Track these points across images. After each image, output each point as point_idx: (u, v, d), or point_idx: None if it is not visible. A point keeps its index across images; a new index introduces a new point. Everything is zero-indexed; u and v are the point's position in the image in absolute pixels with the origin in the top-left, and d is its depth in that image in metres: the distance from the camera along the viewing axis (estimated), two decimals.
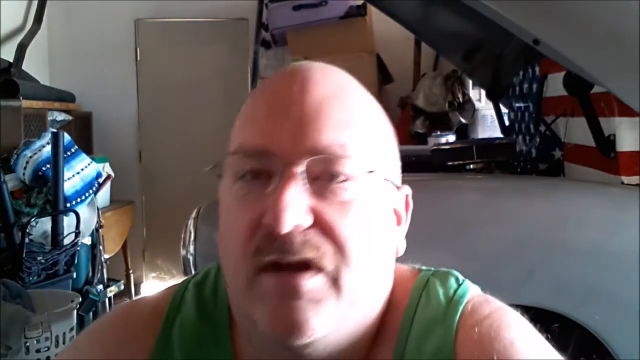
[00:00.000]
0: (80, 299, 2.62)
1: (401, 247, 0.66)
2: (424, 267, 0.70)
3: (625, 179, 1.80)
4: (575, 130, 2.09)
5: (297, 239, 0.54)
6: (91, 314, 3.28)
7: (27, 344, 2.29)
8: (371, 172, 0.58)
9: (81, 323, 3.02)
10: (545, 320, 1.64)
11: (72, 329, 2.47)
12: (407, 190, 0.66)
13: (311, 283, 0.55)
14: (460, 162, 2.61)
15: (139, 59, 5.18)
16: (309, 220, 0.55)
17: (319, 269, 0.55)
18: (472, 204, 1.74)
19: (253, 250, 0.55)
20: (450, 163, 2.61)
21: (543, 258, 1.62)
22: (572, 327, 1.63)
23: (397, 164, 0.66)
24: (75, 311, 2.52)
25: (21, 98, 3.82)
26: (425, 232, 1.69)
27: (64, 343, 2.39)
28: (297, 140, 0.56)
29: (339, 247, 0.56)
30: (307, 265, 0.55)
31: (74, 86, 4.87)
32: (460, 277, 0.67)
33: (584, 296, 1.62)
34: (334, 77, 0.62)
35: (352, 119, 0.59)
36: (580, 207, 1.72)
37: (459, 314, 0.62)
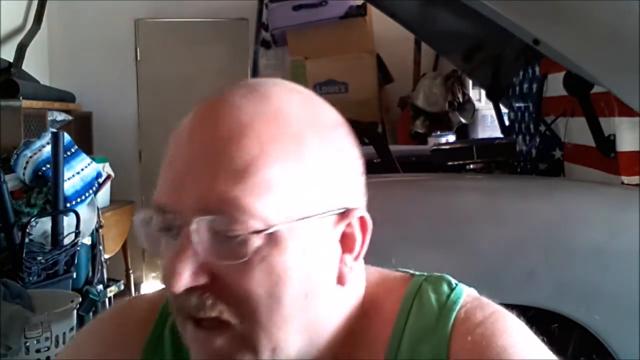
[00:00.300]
0: (80, 299, 2.62)
1: (354, 273, 0.61)
2: (417, 273, 0.68)
3: (625, 179, 1.80)
4: (575, 130, 2.09)
5: (192, 301, 0.54)
6: (91, 314, 3.28)
7: (27, 344, 2.29)
8: (281, 221, 0.53)
9: (81, 323, 3.02)
10: (545, 320, 1.64)
11: (72, 329, 2.46)
12: (360, 212, 0.60)
13: (219, 341, 0.55)
14: (460, 162, 2.61)
15: (139, 59, 5.18)
16: (200, 281, 0.54)
17: (229, 325, 0.55)
18: (472, 204, 1.74)
19: (174, 302, 0.57)
20: (450, 163, 2.62)
21: (543, 258, 1.62)
22: (572, 327, 1.63)
23: (345, 188, 0.59)
24: (75, 311, 2.52)
25: (21, 98, 3.82)
26: (425, 232, 1.70)
27: (64, 343, 2.39)
28: (185, 195, 0.53)
29: (239, 306, 0.54)
30: (219, 321, 0.55)
31: (74, 86, 4.87)
32: (454, 282, 0.66)
33: (584, 296, 1.62)
34: (237, 114, 0.55)
35: (251, 164, 0.53)
36: (580, 207, 1.72)
37: (451, 322, 0.61)
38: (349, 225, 0.59)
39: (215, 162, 0.53)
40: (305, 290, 0.56)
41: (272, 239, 0.53)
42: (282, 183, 0.54)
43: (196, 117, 0.57)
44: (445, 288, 0.64)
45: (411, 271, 0.69)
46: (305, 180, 0.55)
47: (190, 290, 0.54)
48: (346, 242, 0.59)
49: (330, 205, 0.57)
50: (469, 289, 0.66)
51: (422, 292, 0.64)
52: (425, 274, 0.68)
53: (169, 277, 0.53)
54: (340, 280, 0.59)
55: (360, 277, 0.65)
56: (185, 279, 0.53)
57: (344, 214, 0.58)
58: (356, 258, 0.60)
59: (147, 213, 0.56)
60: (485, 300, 0.64)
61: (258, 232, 0.53)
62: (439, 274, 0.67)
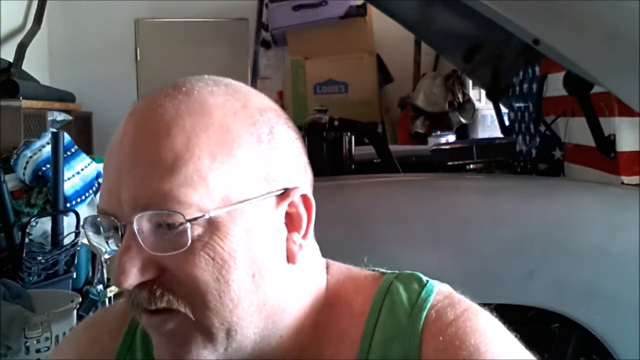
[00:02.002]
0: (80, 299, 2.62)
1: (305, 249, 0.62)
2: (388, 271, 0.68)
3: (625, 179, 1.80)
4: (575, 130, 2.09)
5: (143, 294, 0.56)
6: (91, 314, 3.28)
7: (27, 344, 2.29)
8: (218, 206, 0.55)
9: None
10: (545, 320, 1.64)
11: (72, 329, 2.46)
12: (302, 190, 0.61)
13: (171, 325, 0.57)
14: (460, 162, 2.61)
15: (138, 58, 5.19)
16: (149, 275, 0.56)
17: (179, 312, 0.57)
18: (472, 204, 1.74)
19: (128, 297, 0.59)
20: (450, 163, 2.61)
21: (543, 258, 1.62)
22: (572, 327, 1.63)
23: (282, 169, 0.60)
24: (75, 311, 2.52)
25: (21, 98, 3.83)
26: (425, 232, 1.70)
27: None
28: (121, 197, 0.55)
29: (189, 294, 0.56)
30: (169, 309, 0.57)
31: (74, 86, 4.87)
32: (424, 279, 0.66)
33: (584, 296, 1.62)
34: (162, 111, 0.57)
35: (180, 157, 0.55)
36: (580, 207, 1.72)
37: (422, 322, 0.61)
38: (291, 204, 0.60)
39: (146, 160, 0.55)
40: (252, 270, 0.57)
41: (212, 225, 0.55)
42: (213, 171, 0.55)
43: (124, 122, 0.59)
44: (416, 286, 0.65)
45: (382, 270, 0.69)
46: (237, 166, 0.57)
47: (140, 286, 0.56)
48: (291, 221, 0.61)
49: (268, 187, 0.59)
50: (442, 285, 0.66)
51: (392, 291, 0.65)
52: (397, 272, 0.68)
53: (117, 276, 0.55)
54: (290, 258, 0.60)
55: (316, 263, 0.67)
56: (133, 275, 0.55)
57: (284, 195, 0.60)
58: (304, 236, 0.62)
59: (93, 218, 0.59)
60: (457, 297, 0.64)
61: (195, 219, 0.54)
62: (410, 272, 0.67)
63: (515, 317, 1.60)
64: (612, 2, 1.70)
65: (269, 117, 0.61)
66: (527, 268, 1.61)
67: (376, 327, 0.63)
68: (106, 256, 0.59)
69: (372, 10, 4.63)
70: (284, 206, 0.60)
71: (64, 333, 2.40)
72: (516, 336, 0.62)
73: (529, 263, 1.61)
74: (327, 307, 0.65)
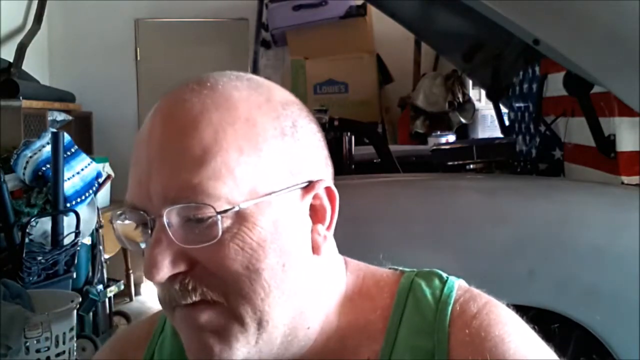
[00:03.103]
0: (80, 299, 2.62)
1: (329, 241, 0.64)
2: (406, 269, 0.70)
3: (625, 179, 1.80)
4: (575, 130, 2.09)
5: (175, 287, 0.57)
6: (91, 314, 3.29)
7: (27, 344, 2.29)
8: (246, 198, 0.56)
9: (81, 323, 3.03)
10: (545, 320, 1.64)
11: (72, 329, 2.47)
12: (326, 182, 0.62)
13: (206, 315, 0.58)
14: (460, 162, 2.61)
15: (139, 58, 5.19)
16: (180, 268, 0.57)
17: (214, 302, 0.57)
18: (472, 204, 1.74)
19: (161, 292, 0.60)
20: (450, 163, 2.61)
21: (543, 258, 1.62)
22: (572, 327, 1.63)
23: (306, 161, 0.61)
24: (75, 311, 2.52)
25: (21, 98, 3.83)
26: (425, 232, 1.70)
27: (64, 343, 2.39)
28: (151, 191, 0.56)
29: (221, 285, 0.57)
30: (203, 301, 0.58)
31: (74, 86, 4.87)
32: (444, 275, 0.68)
33: (584, 296, 1.62)
34: (189, 106, 0.58)
35: (208, 151, 0.56)
36: (580, 207, 1.72)
37: (448, 317, 0.63)
38: (316, 197, 0.62)
39: (174, 154, 0.56)
40: (282, 260, 0.58)
41: (240, 217, 0.56)
42: (240, 164, 0.56)
43: (151, 117, 0.60)
44: (437, 282, 0.67)
45: (400, 267, 0.71)
46: (263, 159, 0.58)
47: (172, 279, 0.57)
48: (316, 213, 0.62)
49: (293, 180, 0.60)
50: (459, 281, 0.68)
51: (415, 287, 0.67)
52: (415, 270, 0.70)
53: (149, 269, 0.56)
54: (315, 249, 0.62)
55: (337, 258, 0.68)
56: (164, 268, 0.56)
57: (309, 187, 0.61)
58: (329, 227, 0.63)
59: (122, 210, 0.60)
60: (476, 291, 0.67)
61: (224, 212, 0.55)
62: (428, 269, 0.69)
63: None
64: (612, 2, 1.70)
65: (292, 111, 0.62)
66: (527, 268, 1.61)
67: (401, 322, 0.64)
68: (132, 248, 0.61)
69: (372, 10, 4.62)
70: (309, 198, 0.61)
71: (64, 333, 2.40)
72: (534, 328, 0.64)
73: (529, 263, 1.61)
74: (347, 302, 0.67)
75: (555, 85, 2.21)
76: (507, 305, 0.66)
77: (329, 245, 0.64)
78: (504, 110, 3.09)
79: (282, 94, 0.63)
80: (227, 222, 0.56)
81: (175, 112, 0.58)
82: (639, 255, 1.55)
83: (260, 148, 0.58)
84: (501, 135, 3.13)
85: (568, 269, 1.62)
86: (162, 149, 0.57)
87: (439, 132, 4.35)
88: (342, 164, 2.32)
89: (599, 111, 1.85)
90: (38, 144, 3.26)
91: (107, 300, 3.56)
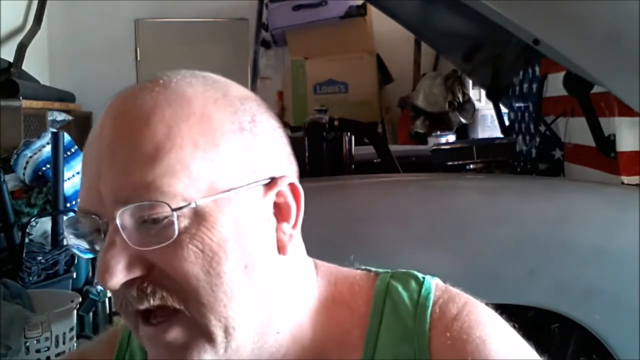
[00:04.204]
0: (80, 299, 2.61)
1: (295, 240, 0.61)
2: (379, 270, 0.68)
3: (625, 179, 1.80)
4: (575, 130, 2.09)
5: (132, 293, 0.54)
6: (91, 314, 3.28)
7: (27, 344, 2.29)
8: (203, 195, 0.54)
9: (81, 323, 3.02)
10: (545, 320, 1.64)
11: (72, 329, 2.46)
12: (290, 179, 0.59)
13: (172, 334, 0.55)
14: (460, 162, 2.61)
15: (139, 58, 5.19)
16: (136, 272, 0.54)
17: (175, 313, 0.55)
18: (472, 204, 1.74)
19: (117, 299, 0.56)
20: (450, 163, 2.61)
21: (543, 258, 1.62)
22: (572, 327, 1.63)
23: (267, 157, 0.59)
24: (75, 311, 2.51)
25: (21, 98, 3.82)
26: (425, 232, 1.70)
27: (64, 343, 2.39)
28: (102, 192, 0.54)
29: (180, 289, 0.54)
30: (167, 313, 0.55)
31: (74, 86, 4.87)
32: (420, 276, 0.66)
33: (584, 296, 1.62)
34: (140, 103, 0.55)
35: (161, 147, 0.53)
36: (580, 207, 1.72)
37: (428, 321, 0.62)
38: (279, 194, 0.59)
39: (125, 153, 0.53)
40: (244, 261, 0.56)
41: (199, 216, 0.53)
42: (196, 161, 0.54)
43: (102, 116, 0.57)
44: (414, 284, 0.65)
45: (373, 269, 0.69)
46: (220, 154, 0.55)
47: (128, 285, 0.54)
48: (280, 211, 0.60)
49: (254, 176, 0.57)
50: (435, 280, 0.66)
51: (391, 291, 0.65)
52: (389, 271, 0.68)
53: (102, 275, 0.53)
54: (281, 249, 0.59)
55: (305, 261, 0.65)
56: (118, 272, 0.53)
57: (271, 184, 0.58)
58: (294, 226, 0.60)
59: (74, 217, 0.57)
60: (453, 290, 0.65)
61: (180, 208, 0.52)
62: (403, 270, 0.67)
63: (515, 317, 1.60)
64: (612, 2, 1.70)
65: (250, 106, 0.60)
66: (527, 268, 1.61)
67: (380, 329, 0.63)
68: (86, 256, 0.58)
69: (372, 10, 4.63)
70: (272, 195, 0.59)
71: (64, 333, 2.40)
72: (516, 328, 0.64)
73: (529, 263, 1.61)
74: (322, 308, 0.64)
75: (555, 85, 2.21)
76: (487, 304, 0.65)
77: (296, 244, 0.61)
78: (504, 110, 3.09)
79: (239, 90, 0.61)
80: (185, 222, 0.53)
81: (126, 110, 0.56)
82: (639, 255, 1.55)
83: (217, 143, 0.55)
84: (501, 135, 3.12)
85: (568, 269, 1.62)
86: (112, 148, 0.54)
87: (439, 132, 4.36)
88: (342, 164, 2.32)
89: (599, 111, 1.85)
90: (38, 144, 3.26)
91: (107, 300, 3.56)
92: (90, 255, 0.58)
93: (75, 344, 2.49)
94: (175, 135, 0.54)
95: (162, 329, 0.55)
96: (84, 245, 0.57)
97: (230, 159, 0.56)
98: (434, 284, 0.65)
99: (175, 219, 0.52)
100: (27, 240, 2.82)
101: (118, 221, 0.52)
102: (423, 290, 0.64)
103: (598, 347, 1.61)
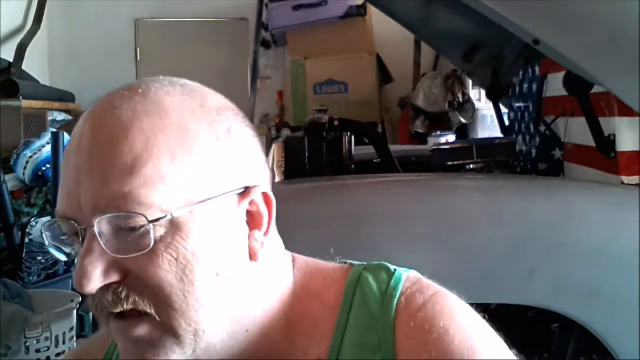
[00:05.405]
0: (80, 299, 2.61)
1: (267, 246, 0.62)
2: (356, 262, 0.70)
3: (625, 179, 1.80)
4: (575, 130, 2.09)
5: (108, 297, 0.56)
6: (91, 314, 3.28)
7: (27, 344, 2.29)
8: (179, 206, 0.55)
9: (81, 323, 3.02)
10: (545, 320, 1.64)
11: (72, 329, 2.47)
12: (263, 188, 0.61)
13: (140, 330, 0.57)
14: (460, 162, 2.61)
15: (139, 58, 5.19)
16: (113, 278, 0.56)
17: (146, 314, 0.56)
18: (472, 204, 1.74)
19: (92, 302, 0.58)
20: (450, 163, 2.61)
21: (543, 258, 1.62)
22: (572, 327, 1.63)
23: (241, 167, 0.60)
24: (75, 311, 2.52)
25: (21, 98, 3.83)
26: (425, 232, 1.70)
27: (64, 343, 2.39)
28: (81, 201, 0.55)
29: (153, 295, 0.56)
30: (138, 312, 0.56)
31: (74, 86, 4.88)
32: (392, 268, 0.67)
33: (584, 296, 1.61)
34: (119, 113, 0.56)
35: (139, 158, 0.55)
36: (580, 207, 1.72)
37: (394, 310, 0.62)
38: (252, 203, 0.61)
39: (104, 163, 0.55)
40: (216, 269, 0.58)
41: (174, 225, 0.55)
42: (173, 172, 0.55)
43: (81, 125, 0.59)
44: (385, 275, 0.66)
45: (349, 261, 0.70)
46: (197, 165, 0.57)
47: (104, 289, 0.56)
48: (253, 219, 0.61)
49: (229, 186, 0.59)
50: (410, 272, 0.67)
51: (362, 282, 0.66)
52: (365, 263, 0.69)
53: (79, 280, 0.55)
54: (252, 256, 0.61)
55: (281, 258, 0.67)
56: (95, 278, 0.55)
57: (245, 193, 0.60)
58: (266, 234, 0.62)
59: (52, 220, 0.59)
60: (425, 282, 0.66)
61: (157, 220, 0.54)
62: (377, 262, 0.68)
63: (515, 317, 1.60)
64: (612, 2, 1.70)
65: (226, 116, 0.61)
66: (527, 268, 1.61)
67: (349, 319, 0.64)
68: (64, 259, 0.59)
69: (372, 10, 4.63)
70: (245, 204, 0.60)
71: (64, 333, 2.40)
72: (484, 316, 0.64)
73: (529, 263, 1.61)
74: (296, 302, 0.66)
75: (555, 85, 2.21)
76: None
77: (268, 250, 0.63)
78: (504, 110, 3.09)
79: (216, 100, 0.62)
80: (161, 231, 0.55)
81: (104, 120, 0.57)
82: (639, 255, 1.55)
83: (193, 154, 0.57)
84: (501, 135, 3.12)
85: (568, 269, 1.62)
86: (91, 158, 0.55)
87: (439, 132, 4.36)
88: (342, 164, 2.32)
89: (599, 111, 1.85)
90: (38, 144, 3.26)
91: None
92: (66, 258, 0.59)
93: (75, 344, 2.49)
94: (153, 146, 0.55)
95: (132, 324, 0.57)
96: (62, 247, 0.59)
97: (206, 170, 0.57)
98: (405, 276, 0.66)
99: (151, 230, 0.54)
100: (27, 240, 2.82)
101: (96, 229, 0.54)
102: (393, 281, 0.65)
103: (598, 347, 1.61)
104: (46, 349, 2.33)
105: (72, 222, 0.56)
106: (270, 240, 0.63)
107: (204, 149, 0.58)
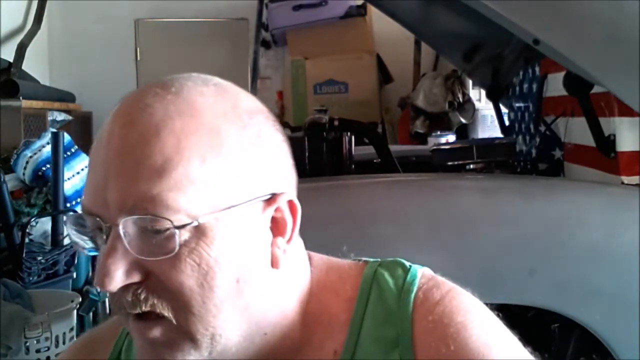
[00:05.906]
0: (80, 299, 2.61)
1: (289, 254, 0.61)
2: (370, 259, 0.70)
3: (625, 179, 1.80)
4: (575, 130, 2.09)
5: (127, 297, 0.56)
6: (91, 314, 3.28)
7: (27, 344, 2.29)
8: (206, 212, 0.55)
9: (81, 323, 3.02)
10: (545, 320, 1.64)
11: (72, 329, 2.46)
12: (289, 195, 0.60)
13: (157, 331, 0.57)
14: (460, 162, 2.61)
15: (139, 58, 5.19)
16: (134, 278, 0.55)
17: (164, 317, 0.56)
18: (472, 204, 1.74)
19: (113, 300, 0.58)
20: (450, 163, 2.61)
21: (543, 258, 1.62)
22: (572, 327, 1.63)
23: (269, 173, 0.59)
24: (75, 311, 2.51)
25: (21, 98, 3.83)
26: (425, 232, 1.70)
27: (64, 343, 2.39)
28: (107, 198, 0.54)
29: (173, 299, 0.55)
30: (154, 314, 0.56)
31: (74, 86, 4.87)
32: (407, 264, 0.68)
33: (584, 296, 1.62)
34: (150, 112, 0.56)
35: (169, 160, 0.54)
36: (580, 207, 1.72)
37: (411, 305, 0.63)
38: (277, 209, 0.60)
39: (134, 162, 0.54)
40: (237, 275, 0.57)
41: (199, 231, 0.55)
42: (202, 175, 0.55)
43: (111, 120, 0.58)
44: (400, 271, 0.67)
45: (363, 258, 0.71)
46: (226, 170, 0.56)
47: (124, 289, 0.55)
48: (277, 226, 0.61)
49: (256, 192, 0.58)
50: (423, 269, 0.68)
51: (378, 277, 0.66)
52: (379, 259, 0.69)
53: (101, 278, 0.54)
54: (274, 263, 0.60)
55: (300, 260, 0.67)
56: (117, 278, 0.54)
57: (271, 200, 0.59)
58: (289, 241, 0.61)
59: (77, 214, 0.58)
60: (440, 278, 0.67)
61: (183, 226, 0.54)
62: (392, 259, 0.69)
63: (515, 317, 1.60)
64: (612, 2, 1.70)
65: (257, 120, 0.60)
66: (527, 268, 1.61)
67: (365, 312, 0.64)
68: (87, 253, 0.59)
69: (372, 10, 4.63)
70: (270, 211, 0.60)
71: (64, 333, 2.40)
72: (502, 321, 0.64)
73: (529, 263, 1.61)
74: (313, 297, 0.66)
75: (555, 85, 2.21)
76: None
77: (289, 257, 0.62)
78: (504, 110, 3.09)
79: (248, 102, 0.62)
80: (186, 235, 0.54)
81: (136, 118, 0.56)
82: (639, 255, 1.55)
83: (223, 157, 0.56)
84: (501, 135, 3.12)
85: (568, 269, 1.62)
86: (120, 156, 0.55)
87: (439, 132, 4.35)
88: (342, 164, 2.32)
89: (599, 111, 1.85)
90: (38, 144, 3.26)
91: (107, 300, 3.56)
92: (93, 253, 0.59)
93: None
94: (184, 148, 0.54)
95: (149, 325, 0.57)
96: (86, 241, 0.59)
97: (234, 173, 0.56)
98: (420, 272, 0.67)
99: (176, 234, 0.54)
100: (27, 240, 2.82)
101: (121, 228, 0.54)
102: (409, 276, 0.66)
103: (598, 347, 1.61)
104: (46, 349, 2.33)
105: (97, 218, 0.55)
106: (292, 247, 0.62)
107: (233, 152, 0.57)
